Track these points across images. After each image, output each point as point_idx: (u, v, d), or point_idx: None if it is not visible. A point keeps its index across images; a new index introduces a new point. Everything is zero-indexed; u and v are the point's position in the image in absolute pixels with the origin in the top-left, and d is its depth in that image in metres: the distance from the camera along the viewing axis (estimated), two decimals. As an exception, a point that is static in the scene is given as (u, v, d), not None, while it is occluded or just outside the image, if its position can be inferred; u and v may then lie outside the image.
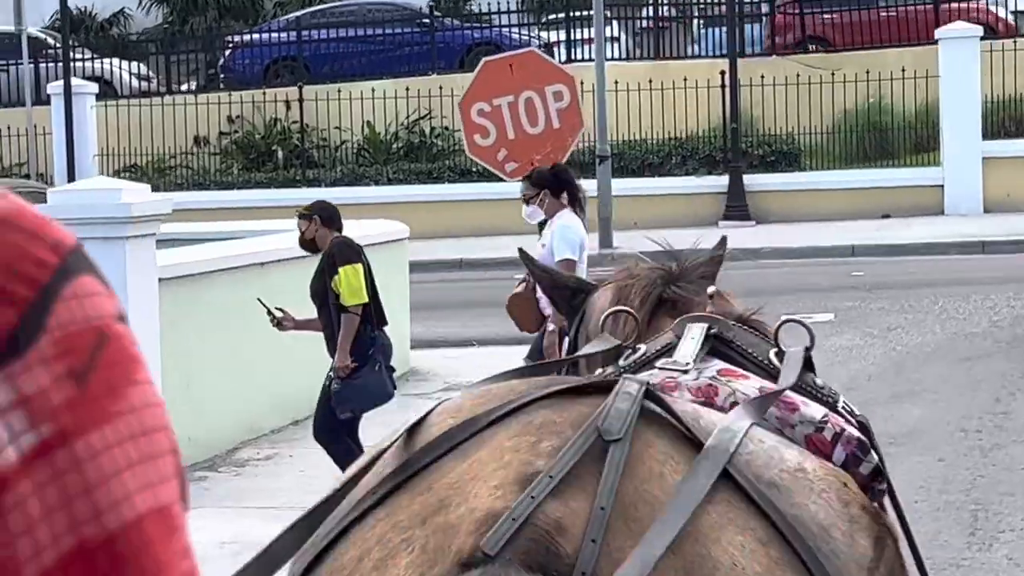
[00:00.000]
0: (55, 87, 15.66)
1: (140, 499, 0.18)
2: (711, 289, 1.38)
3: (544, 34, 17.18)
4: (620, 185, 13.63)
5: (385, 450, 0.99)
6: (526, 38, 16.58)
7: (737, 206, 14.41)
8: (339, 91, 15.60)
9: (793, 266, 12.11)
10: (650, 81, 15.07)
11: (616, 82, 14.65)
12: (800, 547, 0.90)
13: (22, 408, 0.17)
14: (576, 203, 5.90)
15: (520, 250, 2.33)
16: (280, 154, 16.10)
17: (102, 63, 17.19)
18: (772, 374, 1.20)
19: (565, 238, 5.60)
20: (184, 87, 17.06)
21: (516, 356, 6.90)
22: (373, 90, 15.57)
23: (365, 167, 15.93)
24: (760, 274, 9.68)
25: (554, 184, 5.80)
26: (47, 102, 16.05)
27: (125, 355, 0.20)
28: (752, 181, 14.59)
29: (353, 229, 5.90)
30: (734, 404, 1.08)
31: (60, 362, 0.18)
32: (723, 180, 14.80)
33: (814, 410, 1.14)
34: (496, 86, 9.45)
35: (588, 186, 14.24)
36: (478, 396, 1.06)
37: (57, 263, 0.19)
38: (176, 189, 14.10)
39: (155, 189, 8.89)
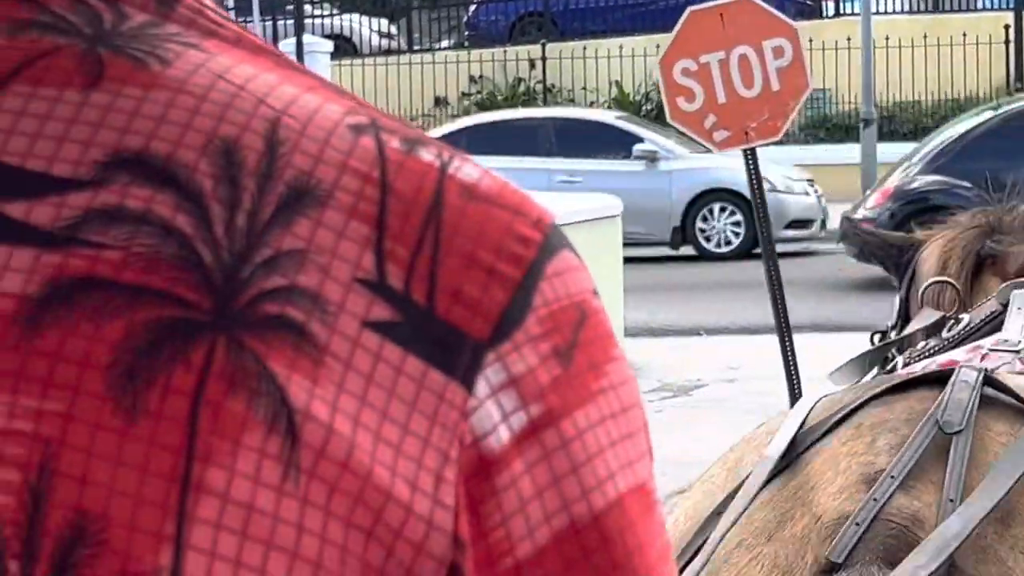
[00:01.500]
0: (287, 45, 15.43)
1: (621, 477, 0.19)
2: None
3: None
4: (888, 150, 13.20)
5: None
6: (789, -10, 15.35)
7: (1018, 174, 13.88)
8: (585, 49, 15.11)
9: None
10: (924, 36, 14.20)
11: (887, 38, 13.86)
12: None
13: (512, 388, 0.17)
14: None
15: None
16: (523, 117, 15.89)
17: (342, 20, 16.75)
18: None
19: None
20: (427, 45, 16.62)
21: (744, 345, 6.54)
22: (621, 48, 15.04)
23: (614, 130, 15.66)
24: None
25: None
26: (282, 61, 15.78)
27: (602, 331, 0.20)
28: (1039, 146, 13.99)
29: (561, 204, 5.41)
30: None
31: (546, 341, 0.18)
32: (1005, 146, 14.22)
33: None
34: (704, 40, 8.50)
35: (850, 152, 13.68)
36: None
37: (540, 239, 0.19)
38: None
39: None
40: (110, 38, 0.18)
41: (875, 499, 0.85)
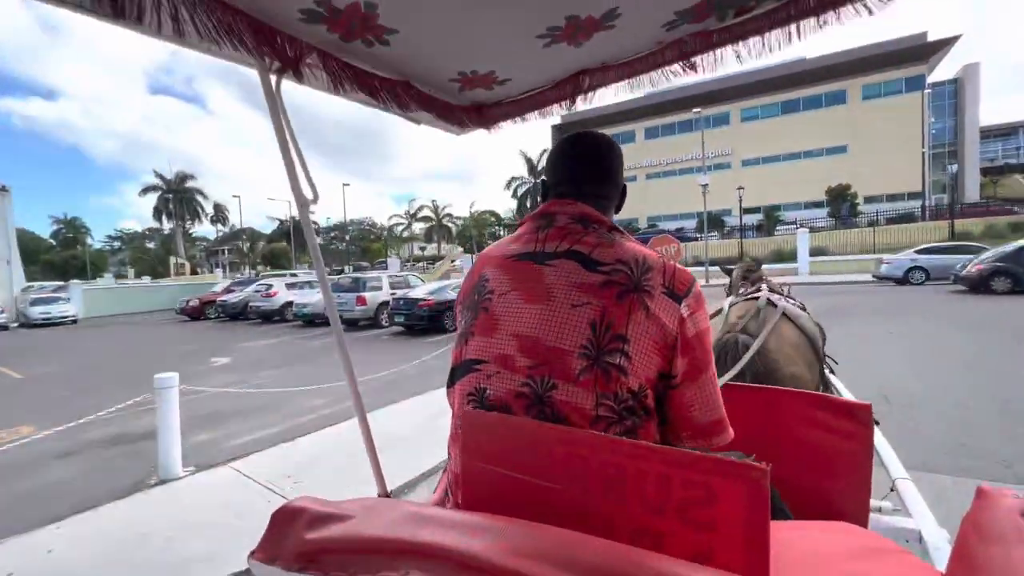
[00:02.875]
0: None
1: (705, 326, 0.98)
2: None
3: None
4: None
5: None
6: None
7: None
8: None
9: None
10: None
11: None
12: (807, 335, 2.20)
13: (688, 310, 0.97)
14: None
15: None
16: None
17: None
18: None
19: None
20: None
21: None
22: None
23: None
24: None
25: None
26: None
27: (704, 301, 1.02)
28: None
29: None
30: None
31: (693, 303, 0.98)
32: None
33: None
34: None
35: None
36: None
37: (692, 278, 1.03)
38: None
39: None
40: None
41: (729, 332, 2.16)
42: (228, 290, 21.53)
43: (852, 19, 1.27)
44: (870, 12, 1.25)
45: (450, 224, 61.92)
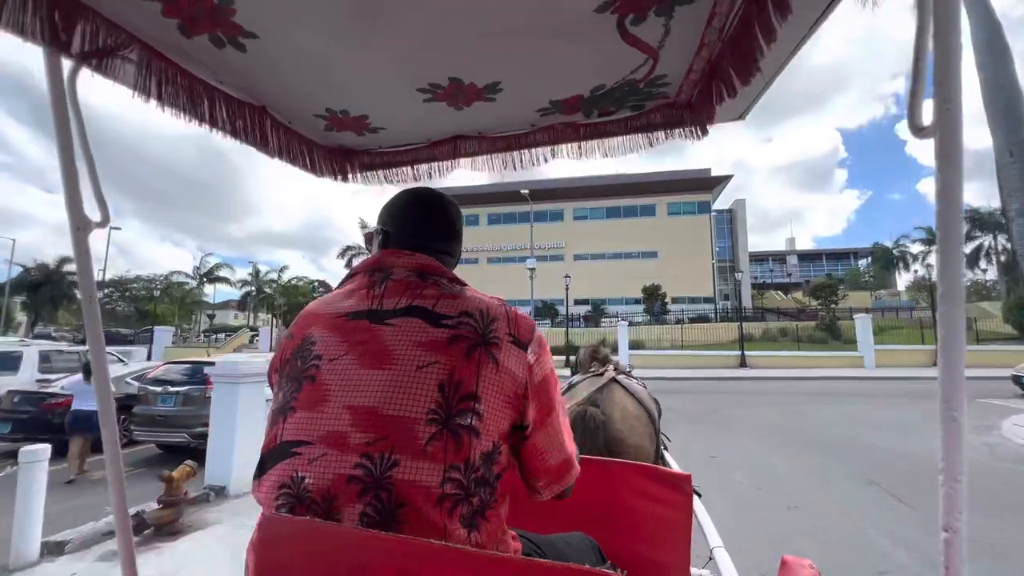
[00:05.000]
0: None
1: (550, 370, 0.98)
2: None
3: None
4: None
5: None
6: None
7: None
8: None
9: None
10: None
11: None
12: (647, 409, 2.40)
13: (535, 356, 0.93)
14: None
15: None
16: None
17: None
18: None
19: None
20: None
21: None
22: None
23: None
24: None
25: None
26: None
27: (545, 346, 0.99)
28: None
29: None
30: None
31: (540, 348, 0.96)
32: None
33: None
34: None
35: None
36: None
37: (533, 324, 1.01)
38: None
39: None
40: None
41: (580, 405, 2.33)
42: None
43: (683, 139, 1.55)
44: (698, 137, 1.52)
45: (271, 291, 53.83)
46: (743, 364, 25.14)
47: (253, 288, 54.24)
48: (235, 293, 56.90)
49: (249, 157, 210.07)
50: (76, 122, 1.07)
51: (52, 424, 7.89)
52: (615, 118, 1.54)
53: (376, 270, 0.95)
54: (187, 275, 52.57)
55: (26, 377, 10.12)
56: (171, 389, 7.93)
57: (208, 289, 53.39)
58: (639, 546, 1.41)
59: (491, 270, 48.49)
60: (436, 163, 1.72)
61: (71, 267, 49.31)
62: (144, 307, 49.96)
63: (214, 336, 44.90)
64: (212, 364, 7.26)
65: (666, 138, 1.55)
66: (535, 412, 0.87)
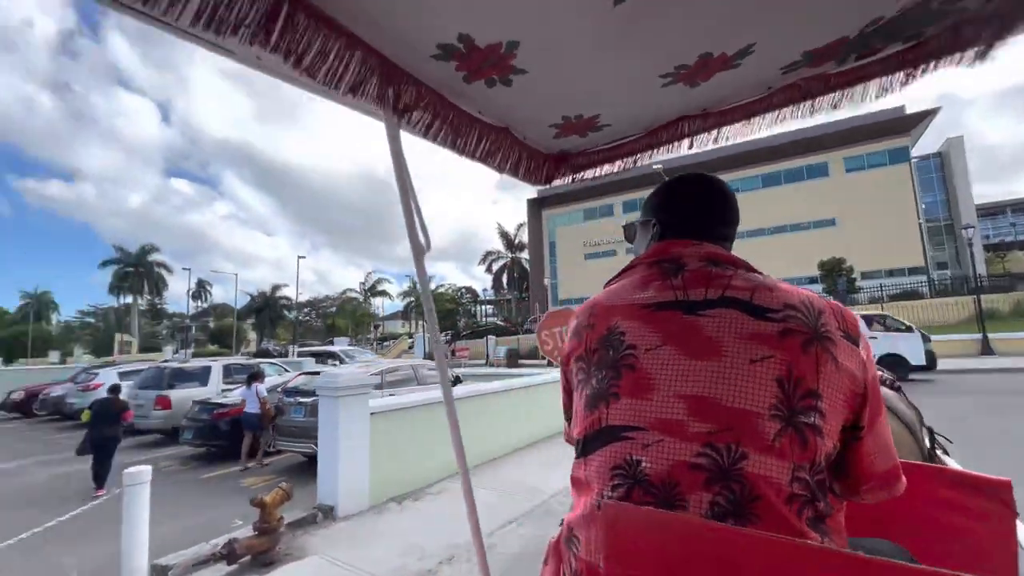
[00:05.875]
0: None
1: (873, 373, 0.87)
2: None
3: None
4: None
5: None
6: None
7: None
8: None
9: None
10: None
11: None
12: None
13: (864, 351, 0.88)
14: None
15: None
16: None
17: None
18: None
19: None
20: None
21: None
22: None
23: None
24: None
25: None
26: None
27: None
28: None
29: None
30: None
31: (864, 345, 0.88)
32: None
33: None
34: (553, 322, 7.67)
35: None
36: None
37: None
38: None
39: None
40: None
41: None
42: (74, 379, 16.74)
43: (953, 67, 1.29)
44: (980, 60, 1.26)
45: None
46: (986, 351, 18.50)
47: (412, 299, 59.42)
48: (399, 305, 63.03)
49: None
50: (404, 169, 1.32)
51: (220, 431, 8.48)
52: (877, 58, 1.35)
53: (662, 261, 0.96)
54: (355, 291, 60.09)
55: (213, 388, 11.27)
56: (300, 400, 7.99)
57: (376, 302, 60.17)
58: (948, 562, 1.13)
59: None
60: (648, 151, 1.71)
61: (282, 292, 60.91)
62: (328, 322, 58.43)
63: (383, 343, 49.91)
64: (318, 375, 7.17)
65: (934, 69, 1.32)
66: (869, 413, 0.83)
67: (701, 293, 0.87)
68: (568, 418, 1.08)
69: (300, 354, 23.85)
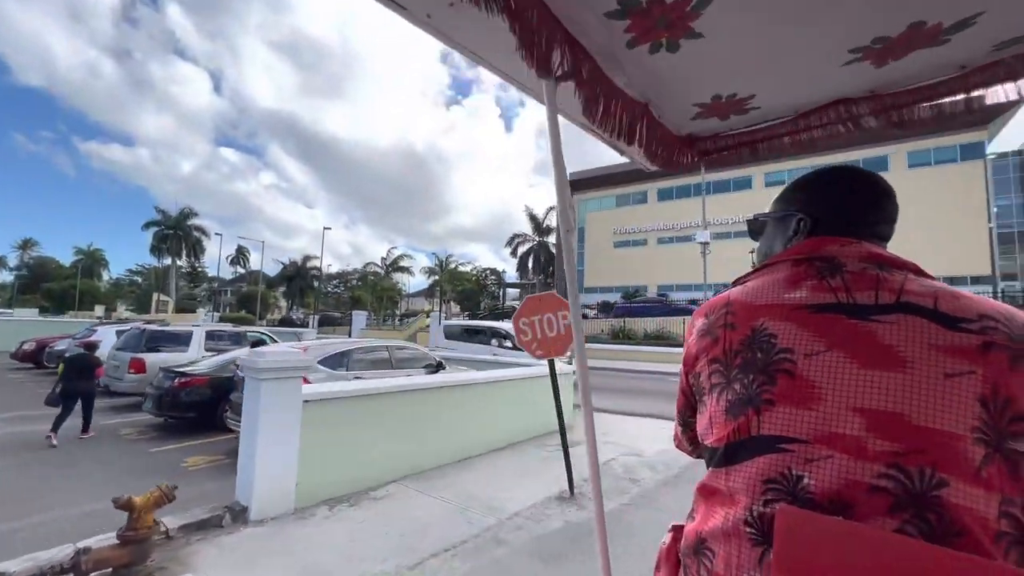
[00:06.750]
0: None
1: None
2: None
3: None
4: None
5: None
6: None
7: None
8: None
9: None
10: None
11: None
12: None
13: None
14: None
15: None
16: None
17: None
18: None
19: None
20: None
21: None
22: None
23: None
24: None
25: None
26: None
27: None
28: None
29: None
30: None
31: None
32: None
33: None
34: (532, 310, 6.19)
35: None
36: None
37: None
38: None
39: None
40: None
41: None
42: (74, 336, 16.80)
43: None
44: None
45: (443, 282, 57.76)
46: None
47: (437, 277, 59.17)
48: (425, 283, 62.93)
49: (442, 163, 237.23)
50: (556, 139, 1.23)
51: (180, 401, 7.80)
52: None
53: (815, 260, 0.88)
54: (377, 266, 60.22)
55: (193, 353, 10.82)
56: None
57: (398, 277, 60.17)
58: None
59: (660, 252, 43.29)
60: (789, 137, 1.63)
61: (313, 263, 61.98)
62: (352, 294, 58.99)
63: (404, 320, 49.85)
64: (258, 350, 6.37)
65: None
66: None
67: (870, 296, 0.80)
68: (684, 423, 1.08)
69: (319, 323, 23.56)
